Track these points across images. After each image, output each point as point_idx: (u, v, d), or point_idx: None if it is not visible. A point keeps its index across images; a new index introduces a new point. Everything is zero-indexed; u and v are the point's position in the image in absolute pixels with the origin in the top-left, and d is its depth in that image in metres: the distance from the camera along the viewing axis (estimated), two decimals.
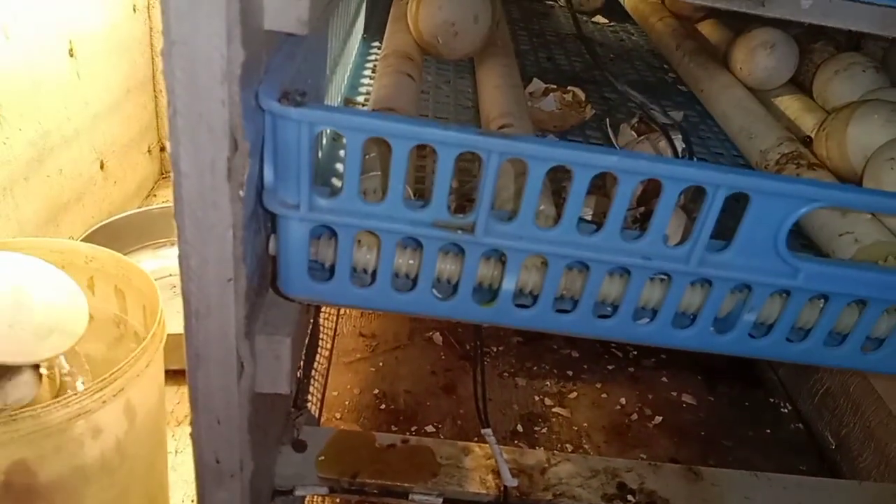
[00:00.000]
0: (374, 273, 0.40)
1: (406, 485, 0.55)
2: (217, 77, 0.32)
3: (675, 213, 0.44)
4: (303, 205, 0.37)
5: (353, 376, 1.00)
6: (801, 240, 0.52)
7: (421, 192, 0.50)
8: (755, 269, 0.39)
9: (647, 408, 1.01)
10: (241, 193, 0.36)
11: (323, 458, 0.56)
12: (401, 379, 1.00)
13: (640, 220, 0.44)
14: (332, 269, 0.40)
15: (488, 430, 0.48)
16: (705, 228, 0.37)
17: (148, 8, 1.34)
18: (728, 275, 0.39)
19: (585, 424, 0.97)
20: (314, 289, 0.40)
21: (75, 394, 0.50)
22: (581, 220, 0.44)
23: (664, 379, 1.07)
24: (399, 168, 0.36)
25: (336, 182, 0.52)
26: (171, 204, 1.15)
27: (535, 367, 1.05)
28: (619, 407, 1.00)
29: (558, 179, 0.49)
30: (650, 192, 0.44)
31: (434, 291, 0.40)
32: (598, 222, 0.39)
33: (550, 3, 1.09)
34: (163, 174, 1.51)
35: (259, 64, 0.36)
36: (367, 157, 0.44)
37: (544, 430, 0.95)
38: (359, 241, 0.40)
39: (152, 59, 1.38)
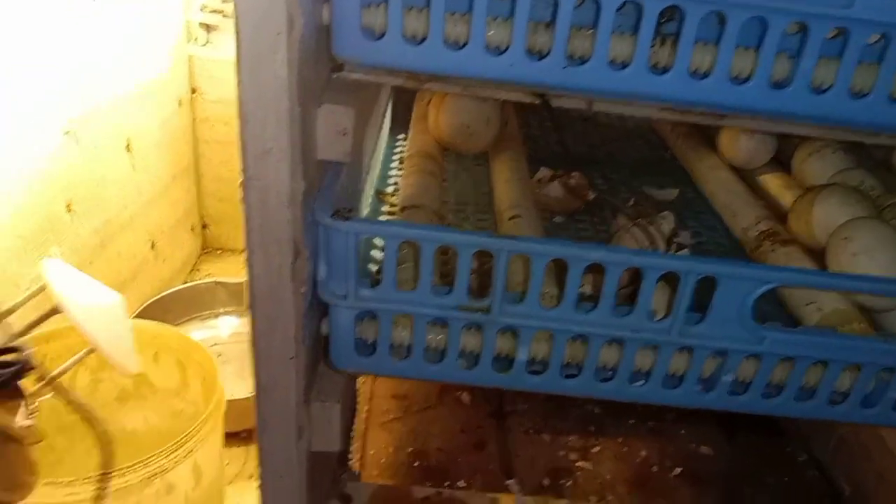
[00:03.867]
0: (408, 347, 0.49)
1: None
2: (284, 203, 0.41)
3: (661, 289, 0.52)
4: (350, 295, 0.46)
5: (387, 436, 1.07)
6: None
7: (444, 272, 0.59)
8: (727, 338, 0.46)
9: (668, 459, 1.06)
10: (302, 290, 0.44)
11: None
12: (433, 437, 1.07)
13: (633, 295, 0.52)
14: (373, 346, 0.48)
15: (512, 481, 0.55)
16: (682, 306, 0.45)
17: (191, 102, 1.47)
18: (705, 343, 0.46)
19: (609, 477, 1.02)
20: (359, 362, 0.48)
21: (154, 454, 0.59)
22: (582, 296, 0.52)
23: (683, 431, 1.12)
24: (427, 264, 0.45)
25: (372, 267, 0.61)
26: (214, 279, 1.24)
27: (560, 424, 1.11)
28: (640, 459, 1.06)
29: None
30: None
31: (459, 362, 0.48)
32: (597, 296, 0.47)
33: None
34: (204, 249, 1.62)
35: (314, 187, 0.45)
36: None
37: (570, 484, 1.00)
38: (395, 322, 0.49)
39: (195, 147, 1.50)
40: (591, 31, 0.42)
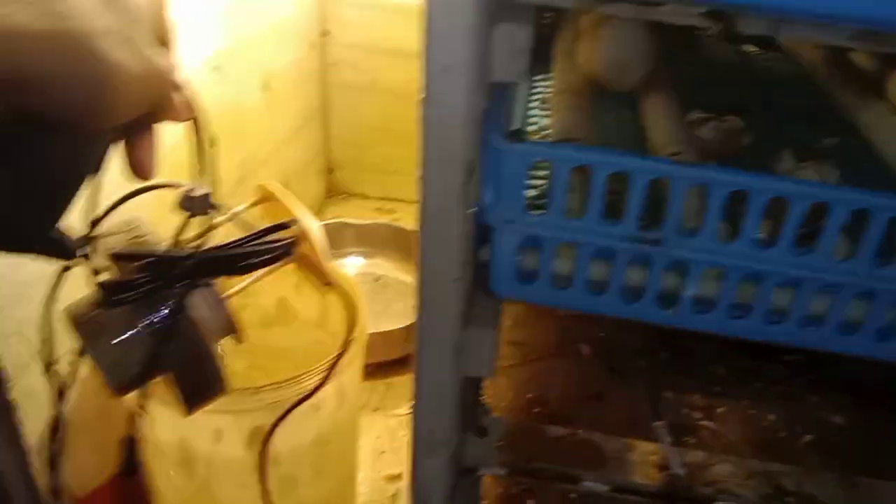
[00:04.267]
0: (569, 278, 0.48)
1: (577, 472, 0.62)
2: (461, 122, 0.41)
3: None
4: (517, 220, 0.45)
5: (506, 381, 1.08)
6: None
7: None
8: None
9: (796, 426, 1.02)
10: (470, 211, 0.44)
11: (502, 443, 0.64)
12: (551, 386, 1.07)
13: (807, 237, 0.49)
14: (534, 273, 0.48)
15: (660, 423, 0.54)
16: (870, 246, 0.42)
17: (321, 45, 1.49)
18: (893, 287, 0.43)
19: (734, 438, 0.99)
20: (520, 290, 0.48)
21: (306, 372, 0.61)
22: None
23: (814, 399, 1.07)
24: (598, 191, 0.44)
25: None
26: (341, 219, 1.27)
27: (684, 382, 1.09)
28: (767, 423, 1.02)
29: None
30: (819, 211, 0.49)
31: (622, 295, 0.47)
32: (767, 237, 0.44)
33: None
34: (329, 193, 1.66)
35: (487, 109, 0.45)
36: None
37: (694, 442, 0.98)
38: (558, 251, 0.48)
39: (324, 91, 1.53)
40: None
